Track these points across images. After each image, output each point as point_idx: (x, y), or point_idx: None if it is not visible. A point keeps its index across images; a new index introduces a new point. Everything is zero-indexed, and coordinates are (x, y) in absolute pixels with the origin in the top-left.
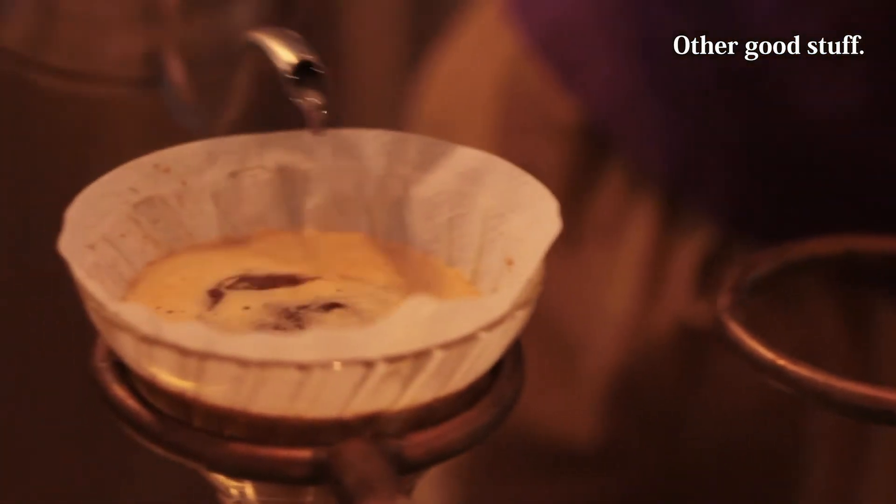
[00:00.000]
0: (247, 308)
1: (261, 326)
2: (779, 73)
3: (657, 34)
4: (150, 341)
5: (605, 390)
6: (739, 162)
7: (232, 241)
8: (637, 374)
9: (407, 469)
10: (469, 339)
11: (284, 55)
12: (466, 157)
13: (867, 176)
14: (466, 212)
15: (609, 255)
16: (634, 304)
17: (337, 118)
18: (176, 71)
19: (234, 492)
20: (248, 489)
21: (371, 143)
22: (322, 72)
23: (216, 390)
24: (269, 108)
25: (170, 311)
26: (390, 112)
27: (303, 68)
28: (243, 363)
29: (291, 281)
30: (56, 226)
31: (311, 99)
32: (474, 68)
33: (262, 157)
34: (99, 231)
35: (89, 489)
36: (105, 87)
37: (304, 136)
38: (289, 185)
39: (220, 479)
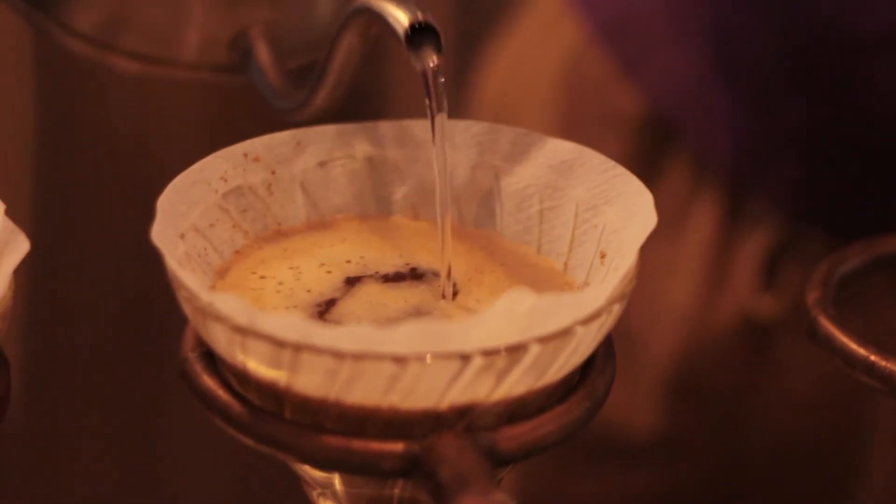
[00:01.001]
0: (329, 273)
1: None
2: (849, 60)
3: (723, 23)
4: (244, 332)
5: (666, 382)
6: (806, 153)
7: (318, 226)
8: (699, 367)
9: (500, 463)
10: (565, 332)
11: (399, 17)
12: (558, 149)
13: None
14: (558, 204)
15: (672, 246)
16: (697, 297)
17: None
18: (263, 54)
19: (321, 483)
20: (336, 480)
21: (462, 133)
22: (437, 30)
23: (310, 381)
24: (360, 92)
25: (262, 277)
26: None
27: (416, 29)
28: (338, 355)
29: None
30: (132, 211)
31: (427, 60)
32: (536, 56)
33: (351, 146)
34: (189, 220)
35: (117, 493)
36: (189, 73)
37: (394, 125)
38: (377, 174)
39: (308, 470)
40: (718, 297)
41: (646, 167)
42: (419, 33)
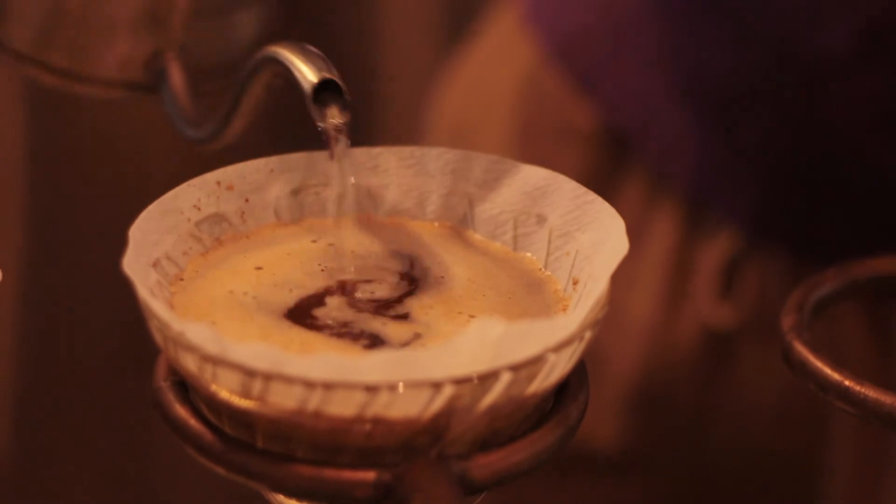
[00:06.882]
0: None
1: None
2: (806, 77)
3: (678, 41)
4: (216, 361)
5: (627, 393)
6: (764, 168)
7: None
8: (659, 378)
9: (472, 491)
10: (537, 360)
11: (306, 73)
12: (532, 176)
13: (891, 183)
14: (531, 231)
15: (631, 259)
16: (657, 308)
17: (356, 129)
18: (176, 77)
19: None
20: None
21: (435, 160)
22: (344, 90)
23: (281, 409)
24: (278, 122)
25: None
26: (412, 119)
27: (324, 86)
28: (309, 384)
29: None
30: (61, 222)
31: (332, 120)
32: (494, 74)
33: (325, 173)
34: (162, 249)
35: (133, 492)
36: (104, 90)
37: (368, 152)
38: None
39: (282, 499)
40: (678, 309)
41: (604, 181)
42: (326, 89)
